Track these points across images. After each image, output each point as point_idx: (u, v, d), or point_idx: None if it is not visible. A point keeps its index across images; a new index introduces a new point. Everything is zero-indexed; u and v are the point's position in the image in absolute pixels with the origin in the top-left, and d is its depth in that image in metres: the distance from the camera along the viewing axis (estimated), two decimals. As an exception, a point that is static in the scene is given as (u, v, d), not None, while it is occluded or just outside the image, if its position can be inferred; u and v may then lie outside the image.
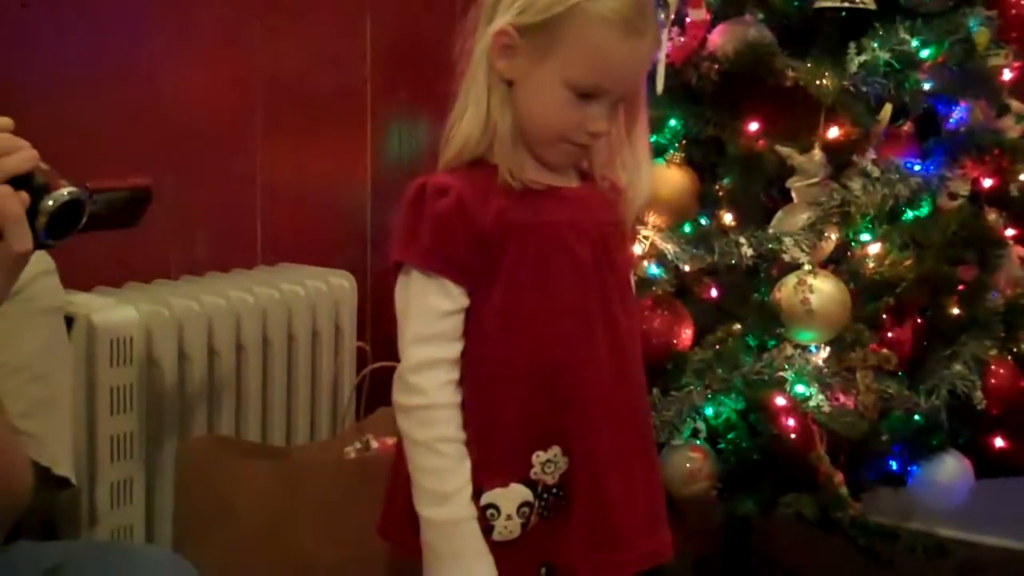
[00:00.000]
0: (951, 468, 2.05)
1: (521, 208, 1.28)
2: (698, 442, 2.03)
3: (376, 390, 2.31)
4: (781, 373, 1.96)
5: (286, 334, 2.12)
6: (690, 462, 2.00)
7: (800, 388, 1.96)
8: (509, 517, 1.30)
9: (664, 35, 2.14)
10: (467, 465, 1.29)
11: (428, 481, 1.28)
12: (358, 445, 2.01)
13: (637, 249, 2.13)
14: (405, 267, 1.29)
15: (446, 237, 1.26)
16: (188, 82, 2.17)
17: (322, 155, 2.48)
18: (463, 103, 1.31)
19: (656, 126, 2.18)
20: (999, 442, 2.13)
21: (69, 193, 1.07)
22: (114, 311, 1.84)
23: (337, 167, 2.53)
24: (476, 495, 1.29)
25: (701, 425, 2.03)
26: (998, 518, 2.67)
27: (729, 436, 2.04)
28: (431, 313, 1.27)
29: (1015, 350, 2.17)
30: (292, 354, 2.14)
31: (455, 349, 1.29)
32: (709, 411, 2.04)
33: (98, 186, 1.11)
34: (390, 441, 2.03)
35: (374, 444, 2.01)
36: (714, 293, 2.18)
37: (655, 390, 2.02)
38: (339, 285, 2.23)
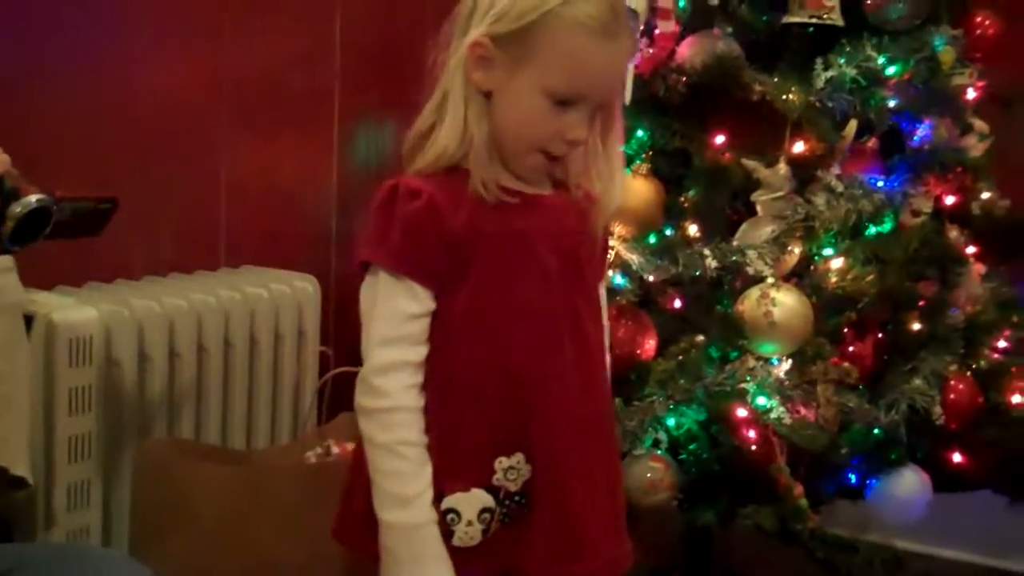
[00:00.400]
0: (909, 482, 2.07)
1: (491, 216, 1.27)
2: (659, 452, 2.03)
3: (338, 395, 2.30)
4: (743, 385, 1.97)
5: (248, 337, 2.11)
6: (651, 472, 2.01)
7: (761, 400, 1.97)
8: (470, 523, 1.29)
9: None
10: (429, 469, 1.28)
11: (389, 484, 1.27)
12: (319, 450, 2.00)
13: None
14: (373, 268, 1.28)
15: (416, 240, 1.25)
16: (153, 80, 2.15)
17: (288, 157, 2.47)
18: (433, 113, 1.30)
19: (623, 137, 2.19)
20: (957, 457, 2.15)
21: (37, 200, 1.07)
22: (74, 310, 1.82)
23: (303, 169, 2.51)
24: (437, 499, 1.29)
25: (663, 435, 2.03)
26: (955, 532, 2.70)
27: (690, 447, 2.05)
28: (397, 315, 1.27)
29: (974, 366, 2.20)
30: (254, 357, 2.13)
31: (420, 352, 1.28)
32: (671, 421, 2.04)
33: (65, 195, 1.11)
34: (351, 447, 2.02)
35: (335, 449, 2.00)
36: (678, 304, 2.18)
37: (618, 400, 2.02)
38: (303, 288, 2.22)
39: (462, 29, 1.29)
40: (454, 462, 1.29)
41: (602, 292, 1.42)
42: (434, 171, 1.28)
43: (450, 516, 1.29)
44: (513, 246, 1.29)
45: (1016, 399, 2.18)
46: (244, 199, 2.32)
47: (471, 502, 1.30)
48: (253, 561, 1.78)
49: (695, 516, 2.08)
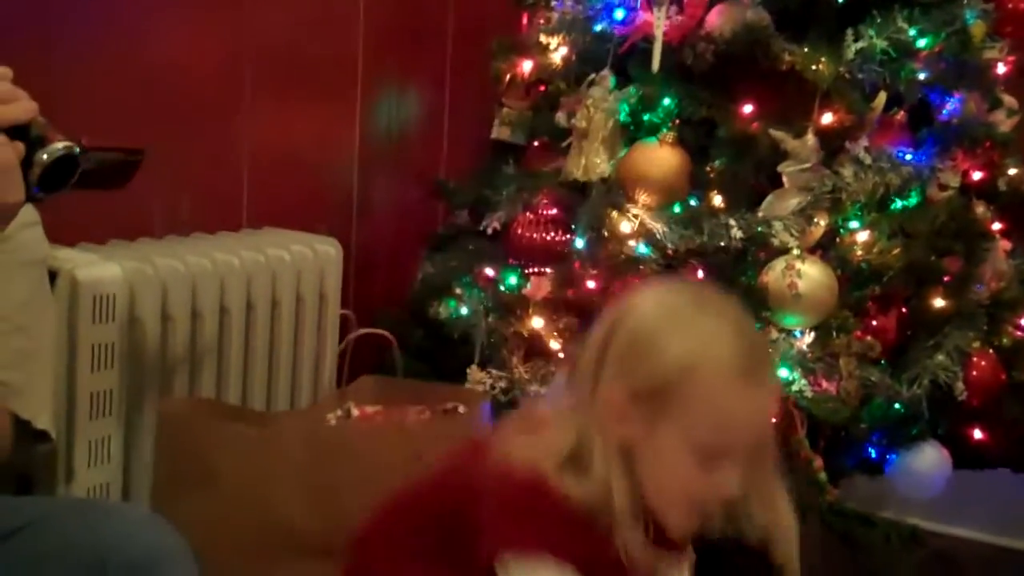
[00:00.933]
0: (929, 457, 2.06)
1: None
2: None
3: (358, 358, 2.31)
4: (765, 357, 1.96)
5: (270, 299, 2.11)
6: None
7: (783, 372, 1.96)
8: None
9: (662, 12, 2.13)
10: None
11: None
12: (339, 412, 2.01)
13: (627, 228, 2.13)
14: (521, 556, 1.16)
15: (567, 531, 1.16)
16: (179, 44, 2.14)
17: (311, 120, 2.46)
18: (567, 455, 1.17)
19: (649, 104, 2.18)
20: (978, 434, 2.14)
21: (64, 148, 1.06)
22: (98, 267, 1.82)
23: (326, 134, 2.51)
24: None
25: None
26: (974, 510, 2.69)
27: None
28: None
29: (998, 343, 2.18)
30: (275, 319, 2.13)
31: None
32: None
33: (92, 144, 1.10)
34: (371, 409, 2.03)
35: (355, 412, 2.01)
36: (701, 275, 2.17)
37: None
38: (324, 251, 2.22)
39: (590, 371, 1.19)
40: None
41: None
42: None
43: None
44: None
45: (1038, 376, 2.16)
46: (266, 161, 2.32)
47: None
48: (271, 521, 1.79)
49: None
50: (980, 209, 2.27)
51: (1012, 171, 2.38)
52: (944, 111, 2.25)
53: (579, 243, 2.20)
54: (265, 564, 1.78)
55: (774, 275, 2.02)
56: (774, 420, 1.22)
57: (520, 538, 1.15)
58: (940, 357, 2.06)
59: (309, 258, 2.17)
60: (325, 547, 1.80)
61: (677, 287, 1.37)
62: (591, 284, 2.17)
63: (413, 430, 1.91)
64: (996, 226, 2.31)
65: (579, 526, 1.15)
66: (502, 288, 2.30)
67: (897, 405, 2.03)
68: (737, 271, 2.10)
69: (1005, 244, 2.29)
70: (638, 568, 1.17)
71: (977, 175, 2.29)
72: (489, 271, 2.33)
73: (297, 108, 2.41)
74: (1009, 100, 2.38)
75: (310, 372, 2.20)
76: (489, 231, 2.37)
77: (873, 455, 2.10)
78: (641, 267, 2.10)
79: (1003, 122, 2.36)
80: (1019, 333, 2.24)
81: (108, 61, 2.00)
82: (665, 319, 1.19)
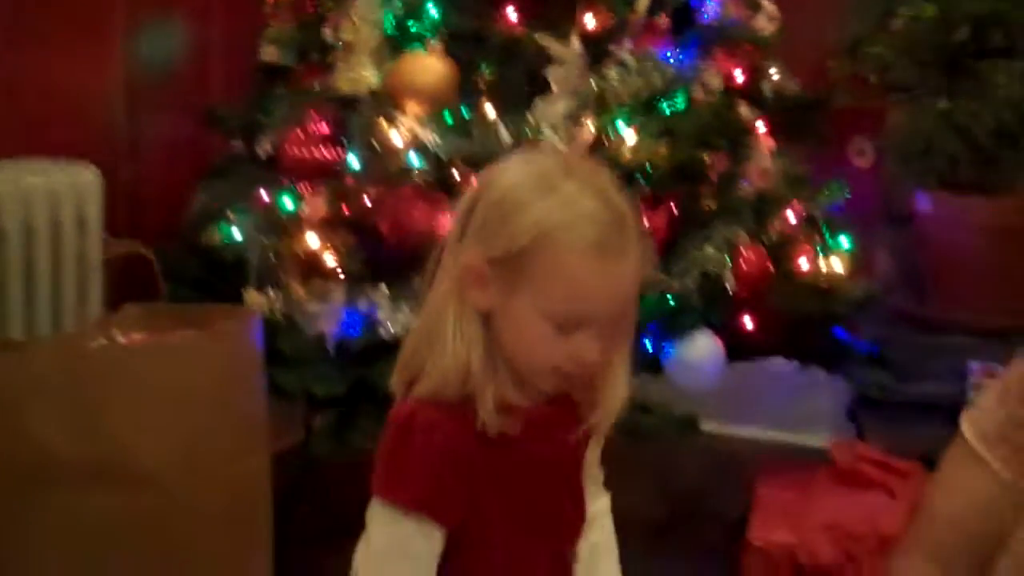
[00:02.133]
0: (703, 346, 2.10)
1: (497, 445, 1.17)
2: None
3: (127, 288, 2.22)
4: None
5: (24, 226, 2.01)
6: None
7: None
8: None
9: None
10: None
11: None
12: (103, 340, 1.93)
13: (398, 141, 2.11)
14: (387, 502, 1.18)
15: (435, 480, 1.16)
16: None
17: (70, 50, 2.35)
18: (432, 328, 1.18)
19: (413, 13, 2.16)
20: (749, 323, 2.20)
21: None
22: None
23: (86, 63, 2.40)
24: None
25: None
26: (751, 409, 2.78)
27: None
28: (409, 555, 1.18)
29: (765, 237, 2.25)
30: (32, 247, 2.03)
31: None
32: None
33: None
34: (137, 336, 1.95)
35: (120, 339, 1.93)
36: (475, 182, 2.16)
37: (417, 279, 2.01)
38: (84, 178, 2.12)
39: (458, 232, 1.17)
40: None
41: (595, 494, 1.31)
42: (440, 399, 1.17)
43: None
44: (516, 471, 1.20)
45: (803, 266, 2.24)
46: (23, 91, 2.21)
47: None
48: (28, 450, 1.71)
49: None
50: (744, 110, 2.33)
51: (775, 76, 2.45)
52: (704, 14, 2.29)
53: (352, 159, 2.17)
54: (25, 495, 1.71)
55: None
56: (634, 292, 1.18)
57: (383, 490, 1.17)
58: (709, 250, 2.11)
59: (66, 184, 2.07)
60: (93, 474, 1.75)
61: (544, 155, 1.32)
62: (366, 199, 2.14)
63: (180, 349, 1.85)
64: (761, 128, 2.38)
65: (446, 455, 1.15)
66: (277, 210, 2.25)
67: (669, 297, 2.07)
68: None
69: (769, 143, 2.36)
70: (514, 430, 1.17)
71: (740, 77, 2.35)
72: (263, 194, 2.27)
73: (55, 38, 2.30)
74: (769, 7, 2.44)
75: (72, 301, 2.10)
76: (263, 155, 2.32)
77: (650, 349, 2.13)
78: (414, 177, 2.08)
79: (764, 27, 2.43)
80: (785, 228, 2.31)
81: None
82: (528, 185, 1.15)
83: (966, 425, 1.40)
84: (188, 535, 1.79)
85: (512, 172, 1.18)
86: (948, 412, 1.45)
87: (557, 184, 1.15)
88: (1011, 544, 1.36)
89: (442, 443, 1.15)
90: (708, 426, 2.48)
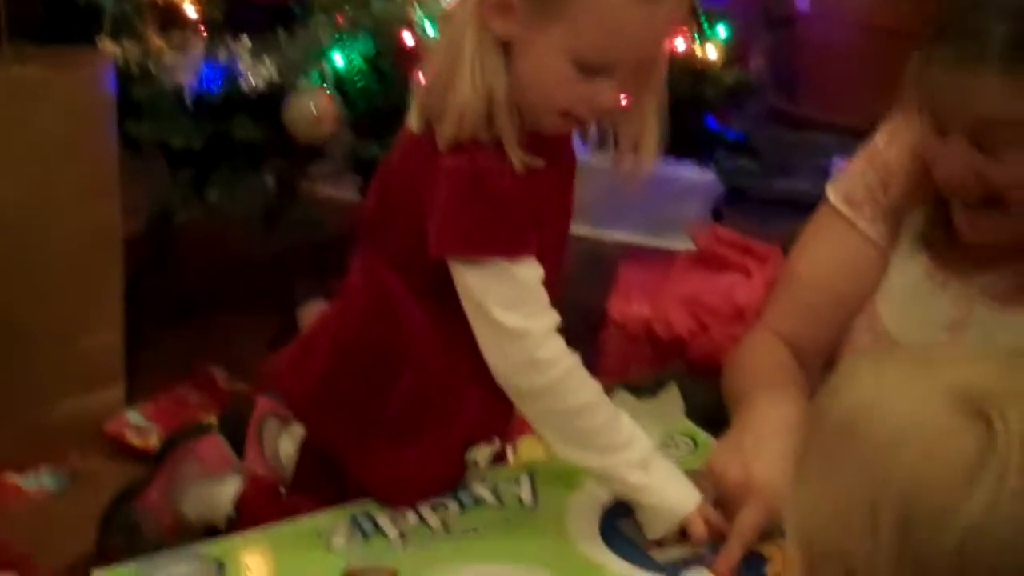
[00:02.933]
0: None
1: (532, 182, 1.14)
2: (325, 87, 1.95)
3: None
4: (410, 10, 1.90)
5: None
6: (315, 106, 1.92)
7: (430, 28, 1.91)
8: None
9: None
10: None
11: (605, 438, 1.19)
12: None
13: None
14: (486, 259, 1.15)
15: (516, 218, 1.14)
16: None
17: None
18: (447, 65, 1.12)
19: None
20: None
21: None
22: None
23: None
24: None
25: (328, 70, 1.95)
26: (619, 213, 2.77)
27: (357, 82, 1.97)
28: (528, 286, 1.16)
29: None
30: None
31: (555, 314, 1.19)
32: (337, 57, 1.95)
33: None
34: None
35: None
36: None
37: (281, 31, 1.93)
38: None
39: None
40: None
41: None
42: (475, 139, 1.12)
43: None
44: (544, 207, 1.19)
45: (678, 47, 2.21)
46: None
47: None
48: None
49: (362, 149, 2.01)
50: None
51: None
52: None
53: None
54: None
55: None
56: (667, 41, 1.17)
57: (478, 250, 1.15)
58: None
59: None
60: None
61: None
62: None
63: (27, 85, 1.75)
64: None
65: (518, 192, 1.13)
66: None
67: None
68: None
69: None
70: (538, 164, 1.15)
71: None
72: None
73: None
74: None
75: None
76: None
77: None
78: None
79: None
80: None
81: None
82: None
83: (831, 191, 1.41)
84: (39, 272, 1.78)
85: None
86: (810, 208, 1.45)
87: None
88: (868, 304, 1.39)
89: (510, 183, 1.12)
90: (579, 230, 2.46)
